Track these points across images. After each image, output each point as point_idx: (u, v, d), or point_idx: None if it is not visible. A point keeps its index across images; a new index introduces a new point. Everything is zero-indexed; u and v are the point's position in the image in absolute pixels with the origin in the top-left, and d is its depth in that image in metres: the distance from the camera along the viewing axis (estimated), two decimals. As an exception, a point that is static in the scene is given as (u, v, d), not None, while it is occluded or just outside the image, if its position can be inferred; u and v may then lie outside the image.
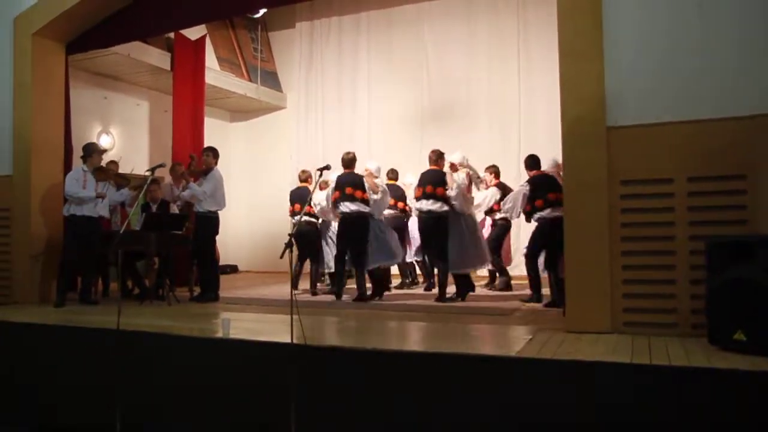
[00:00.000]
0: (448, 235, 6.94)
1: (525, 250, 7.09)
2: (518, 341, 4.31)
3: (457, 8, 11.06)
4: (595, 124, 4.53)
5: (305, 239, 7.88)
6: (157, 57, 9.74)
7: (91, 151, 6.97)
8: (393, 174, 8.53)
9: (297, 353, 3.95)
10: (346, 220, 7.26)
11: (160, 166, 6.63)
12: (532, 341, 4.27)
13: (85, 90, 9.75)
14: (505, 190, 8.15)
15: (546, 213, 6.51)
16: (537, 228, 6.69)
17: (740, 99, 4.20)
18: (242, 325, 5.02)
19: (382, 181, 7.69)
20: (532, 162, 6.99)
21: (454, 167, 7.16)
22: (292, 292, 4.10)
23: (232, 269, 12.50)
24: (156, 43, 9.72)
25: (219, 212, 7.27)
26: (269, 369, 4.15)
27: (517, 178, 9.05)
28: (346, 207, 7.17)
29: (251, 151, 13.01)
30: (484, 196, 8.17)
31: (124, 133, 10.54)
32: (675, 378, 3.36)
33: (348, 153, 7.51)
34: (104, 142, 10.15)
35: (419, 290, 8.51)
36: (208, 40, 10.73)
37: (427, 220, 7.06)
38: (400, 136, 11.25)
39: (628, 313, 4.44)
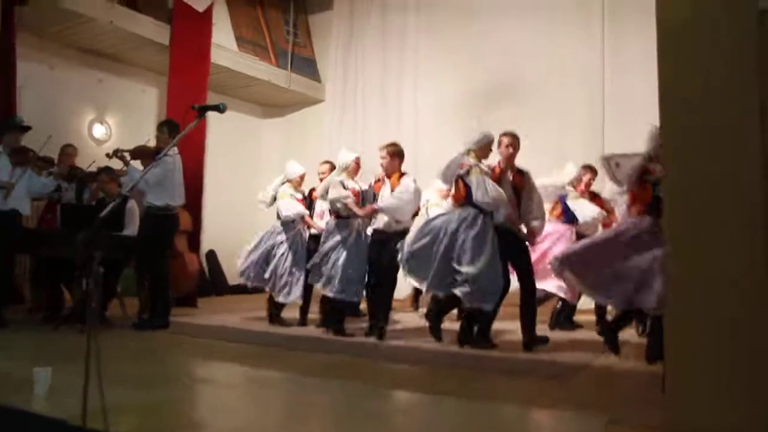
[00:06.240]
0: None
1: None
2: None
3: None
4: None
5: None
6: (153, 29, 8.10)
7: (7, 127, 5.30)
8: None
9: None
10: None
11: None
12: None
13: (74, 70, 8.29)
14: None
15: None
16: None
17: None
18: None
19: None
20: None
21: None
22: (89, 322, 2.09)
23: (256, 288, 10.64)
24: (149, 12, 8.09)
25: (176, 209, 5.42)
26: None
27: (601, 177, 6.67)
28: None
29: (286, 150, 11.23)
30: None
31: (124, 123, 8.95)
32: None
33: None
34: (97, 132, 8.62)
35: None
36: (222, 14, 9.09)
37: None
38: (452, 125, 9.04)
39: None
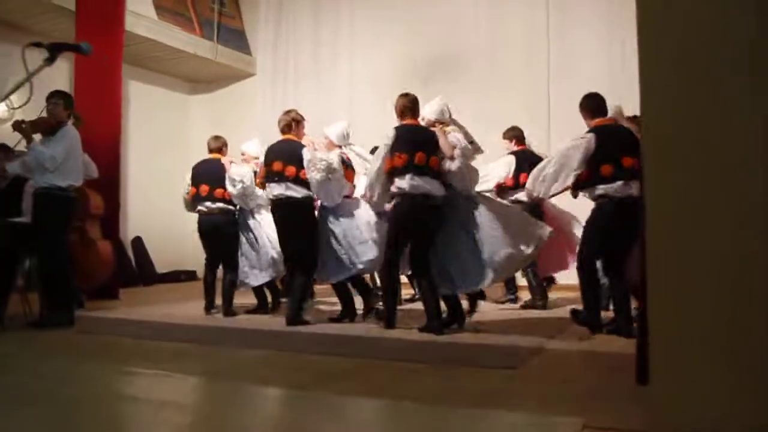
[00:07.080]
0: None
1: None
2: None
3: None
4: None
5: (216, 235, 5.41)
6: (58, -8, 7.29)
7: None
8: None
9: None
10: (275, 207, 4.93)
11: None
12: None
13: (-32, 41, 7.40)
14: (527, 159, 5.48)
15: (615, 187, 3.89)
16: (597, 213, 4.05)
17: None
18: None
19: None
20: (594, 104, 4.23)
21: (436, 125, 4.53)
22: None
23: (189, 276, 9.95)
24: (52, -28, 7.27)
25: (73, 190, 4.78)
26: None
27: (546, 150, 6.33)
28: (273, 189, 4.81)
29: (216, 128, 10.50)
30: (493, 167, 5.56)
31: (31, 99, 8.06)
32: None
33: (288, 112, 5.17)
34: (-2, 110, 7.76)
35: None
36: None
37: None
38: (389, 98, 8.57)
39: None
